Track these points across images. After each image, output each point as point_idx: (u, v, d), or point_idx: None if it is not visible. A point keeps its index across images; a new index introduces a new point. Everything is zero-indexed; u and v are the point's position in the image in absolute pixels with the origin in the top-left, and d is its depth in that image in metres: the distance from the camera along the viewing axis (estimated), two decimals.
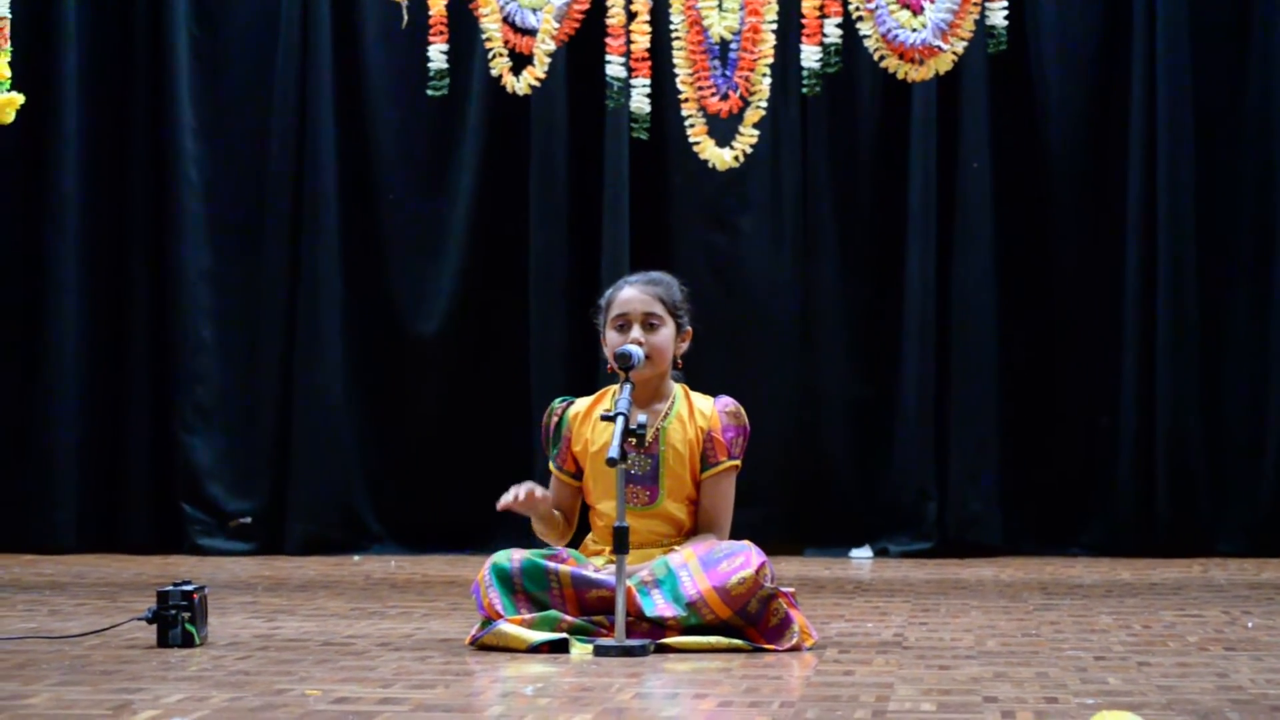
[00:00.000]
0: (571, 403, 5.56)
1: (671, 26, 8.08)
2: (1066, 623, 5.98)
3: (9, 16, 6.61)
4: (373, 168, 9.38)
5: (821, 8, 8.01)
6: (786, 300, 9.24)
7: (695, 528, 5.45)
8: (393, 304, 9.34)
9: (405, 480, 9.28)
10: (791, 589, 5.29)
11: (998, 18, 7.93)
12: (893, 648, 5.28)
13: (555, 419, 5.54)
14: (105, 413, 9.32)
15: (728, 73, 8.10)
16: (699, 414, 5.45)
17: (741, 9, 8.00)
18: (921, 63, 7.97)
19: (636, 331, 5.38)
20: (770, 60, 8.06)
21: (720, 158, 8.16)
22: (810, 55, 8.12)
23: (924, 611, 6.37)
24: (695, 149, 8.20)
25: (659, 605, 5.14)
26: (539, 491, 5.33)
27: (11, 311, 9.34)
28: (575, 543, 5.51)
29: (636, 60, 8.18)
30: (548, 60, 8.20)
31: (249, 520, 9.21)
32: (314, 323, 9.28)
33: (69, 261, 9.24)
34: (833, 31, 8.04)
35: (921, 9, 7.90)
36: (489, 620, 5.19)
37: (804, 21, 8.06)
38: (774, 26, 8.02)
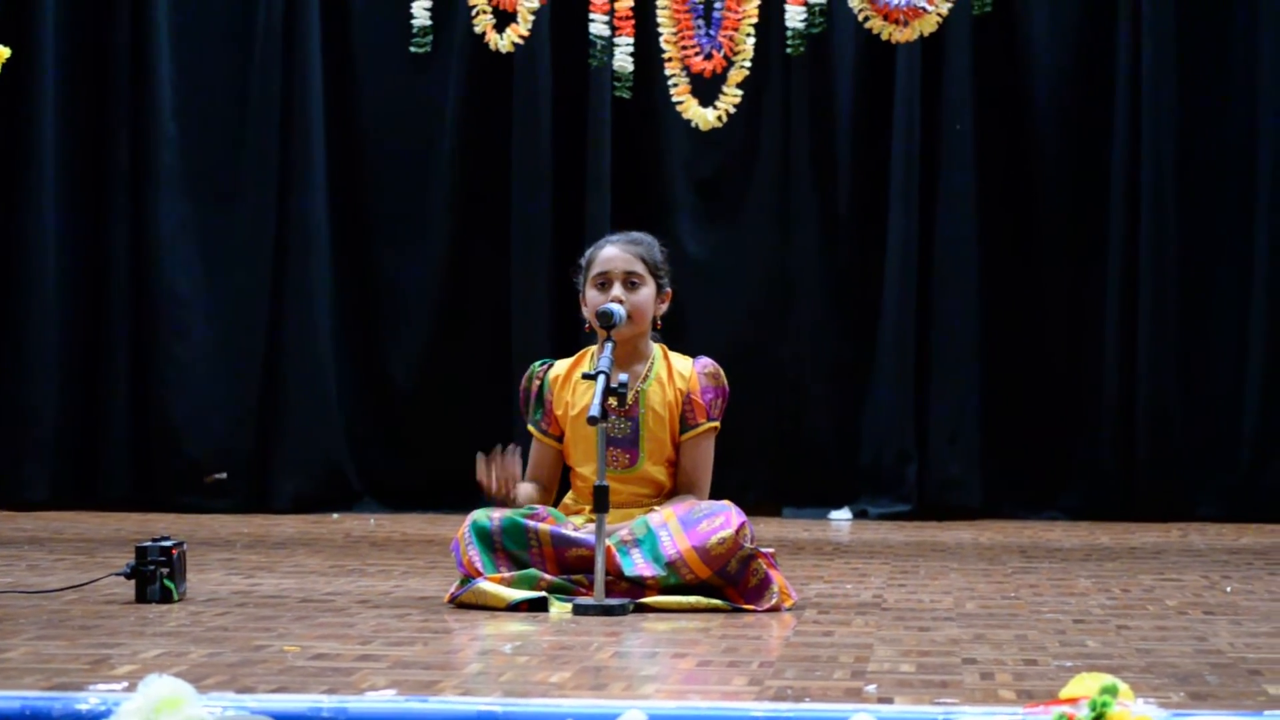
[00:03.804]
0: (551, 365, 5.54)
1: None
2: (1045, 586, 5.98)
3: None
4: (356, 125, 9.33)
5: None
6: (767, 261, 9.22)
7: (675, 489, 5.45)
8: (377, 262, 9.30)
9: (387, 438, 9.26)
10: (771, 550, 5.29)
11: None
12: (872, 609, 5.28)
13: (536, 383, 5.52)
14: (84, 367, 9.27)
15: (711, 32, 8.08)
16: (678, 375, 5.44)
17: None
18: (906, 24, 7.95)
19: (617, 290, 5.36)
20: (754, 20, 8.04)
21: (703, 117, 8.14)
22: (794, 15, 8.11)
23: (903, 573, 6.38)
24: (678, 108, 8.18)
25: (638, 565, 5.13)
26: (520, 489, 5.32)
27: None
28: (554, 502, 5.50)
29: (620, 19, 8.15)
30: (531, 17, 8.17)
31: (224, 476, 9.17)
32: (297, 280, 9.23)
33: (46, 215, 9.16)
34: None
35: None
36: (468, 578, 5.18)
37: None
38: None
